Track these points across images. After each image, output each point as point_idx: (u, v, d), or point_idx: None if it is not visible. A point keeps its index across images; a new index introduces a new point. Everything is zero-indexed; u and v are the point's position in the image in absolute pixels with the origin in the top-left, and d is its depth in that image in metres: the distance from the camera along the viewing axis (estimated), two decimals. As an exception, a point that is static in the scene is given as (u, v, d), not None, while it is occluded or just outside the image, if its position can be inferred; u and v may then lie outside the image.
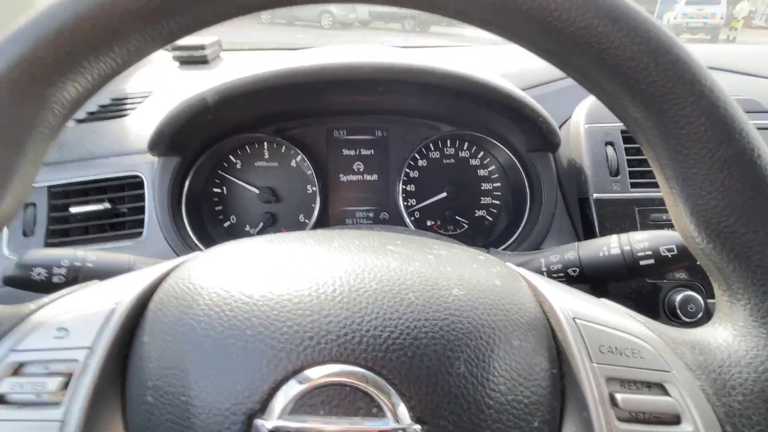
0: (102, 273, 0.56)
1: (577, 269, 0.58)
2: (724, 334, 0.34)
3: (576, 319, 0.33)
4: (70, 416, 0.27)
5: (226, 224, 0.93)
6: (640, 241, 0.55)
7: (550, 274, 0.60)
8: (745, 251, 0.31)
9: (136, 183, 0.83)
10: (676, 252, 0.52)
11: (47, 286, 0.53)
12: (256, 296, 0.30)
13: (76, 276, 0.55)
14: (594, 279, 0.58)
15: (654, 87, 0.31)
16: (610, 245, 0.56)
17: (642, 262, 0.54)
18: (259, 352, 0.28)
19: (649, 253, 0.54)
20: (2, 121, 0.30)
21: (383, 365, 0.27)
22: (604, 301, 0.38)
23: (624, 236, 0.56)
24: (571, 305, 0.34)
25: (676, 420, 0.29)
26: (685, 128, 0.31)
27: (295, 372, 0.27)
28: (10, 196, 0.32)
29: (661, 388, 0.30)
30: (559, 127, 0.91)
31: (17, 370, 0.30)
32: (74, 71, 0.31)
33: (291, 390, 0.27)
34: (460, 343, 0.29)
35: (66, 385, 0.28)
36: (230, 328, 0.29)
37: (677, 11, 15.05)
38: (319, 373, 0.27)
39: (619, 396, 0.29)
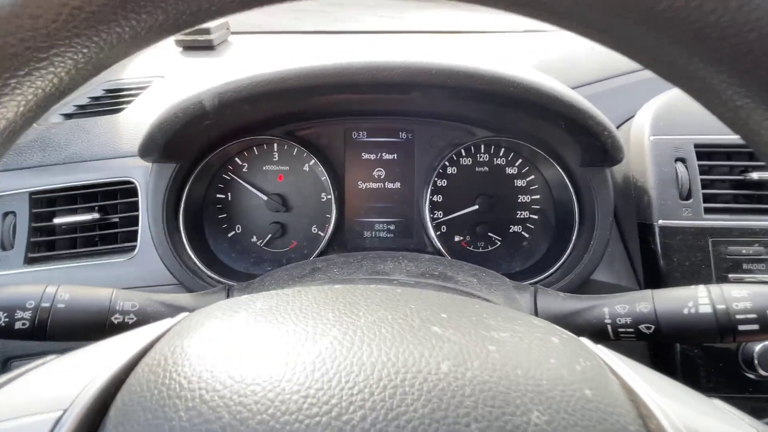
0: (75, 315, 0.47)
1: (652, 326, 0.47)
2: None
3: None
4: None
5: (231, 234, 0.84)
6: (739, 299, 0.43)
7: (616, 328, 0.49)
8: None
9: (129, 190, 0.73)
10: None
11: (8, 333, 0.44)
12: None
13: (45, 318, 0.46)
14: (672, 339, 0.47)
15: None
16: (698, 301, 0.45)
17: (741, 327, 0.43)
18: None
19: (753, 316, 0.43)
20: None
21: None
22: (715, 403, 0.29)
23: (716, 289, 0.45)
24: (687, 422, 0.24)
25: None
26: None
27: None
28: None
29: None
30: None
31: None
32: None
33: None
34: None
35: None
36: None
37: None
38: None
39: None
